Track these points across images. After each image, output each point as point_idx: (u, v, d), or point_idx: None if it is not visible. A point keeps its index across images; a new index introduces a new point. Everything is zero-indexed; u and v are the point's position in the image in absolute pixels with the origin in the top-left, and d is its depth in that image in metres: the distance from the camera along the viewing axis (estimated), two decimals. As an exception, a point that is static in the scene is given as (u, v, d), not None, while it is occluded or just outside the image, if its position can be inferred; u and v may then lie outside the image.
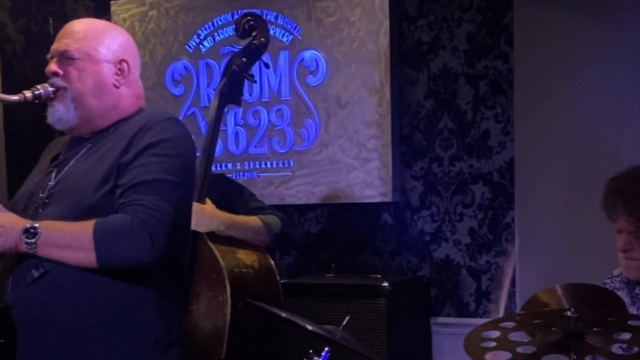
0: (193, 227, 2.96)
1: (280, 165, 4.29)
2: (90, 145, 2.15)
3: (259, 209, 3.24)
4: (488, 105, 3.88)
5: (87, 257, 1.97)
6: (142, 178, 2.01)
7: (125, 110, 2.18)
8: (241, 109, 4.29)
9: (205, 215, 3.02)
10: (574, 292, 2.06)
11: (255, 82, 3.48)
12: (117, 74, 2.17)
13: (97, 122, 2.16)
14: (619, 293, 2.58)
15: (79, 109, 2.13)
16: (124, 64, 2.18)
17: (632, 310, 2.52)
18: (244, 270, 2.99)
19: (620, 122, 3.25)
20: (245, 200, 3.27)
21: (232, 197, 3.25)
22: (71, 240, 1.98)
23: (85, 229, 1.97)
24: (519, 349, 2.08)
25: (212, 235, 3.03)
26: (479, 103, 3.90)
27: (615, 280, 2.63)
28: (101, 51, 2.15)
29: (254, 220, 3.14)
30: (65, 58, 2.13)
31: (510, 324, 2.03)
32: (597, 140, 3.33)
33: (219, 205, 3.11)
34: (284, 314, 2.76)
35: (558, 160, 3.45)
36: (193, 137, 4.19)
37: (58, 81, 2.13)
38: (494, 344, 2.05)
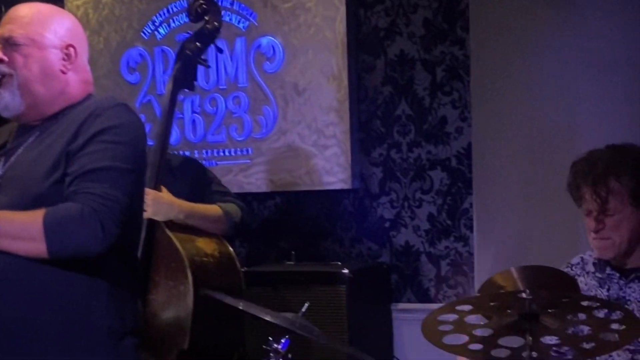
0: (151, 215, 2.94)
1: (239, 153, 4.26)
2: (38, 132, 2.11)
3: (220, 194, 3.21)
4: (445, 91, 3.89)
5: (37, 247, 1.94)
6: (92, 166, 1.97)
7: (73, 96, 2.14)
8: (198, 96, 4.25)
9: (164, 204, 2.99)
10: (528, 274, 2.07)
11: (209, 66, 3.45)
12: (64, 60, 2.12)
13: (45, 108, 2.12)
14: (579, 279, 2.61)
15: (26, 95, 2.09)
16: (71, 49, 2.14)
17: (601, 292, 2.54)
18: (204, 259, 2.97)
19: (575, 107, 3.27)
20: (208, 182, 3.24)
21: (197, 178, 3.22)
22: (20, 230, 1.95)
23: (34, 218, 1.93)
24: (476, 332, 2.09)
25: (170, 224, 2.99)
26: (436, 89, 3.90)
27: (575, 267, 2.65)
28: (47, 36, 2.11)
29: (213, 208, 3.12)
30: (10, 44, 2.09)
31: (467, 307, 2.03)
32: (553, 125, 3.35)
33: (183, 187, 3.09)
34: (241, 306, 2.75)
35: (515, 145, 3.47)
36: (149, 125, 4.19)
37: (3, 68, 2.08)
38: (450, 327, 2.05)
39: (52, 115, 2.12)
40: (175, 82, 3.11)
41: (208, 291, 2.85)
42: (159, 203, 2.97)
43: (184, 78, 3.11)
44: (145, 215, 2.95)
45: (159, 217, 2.97)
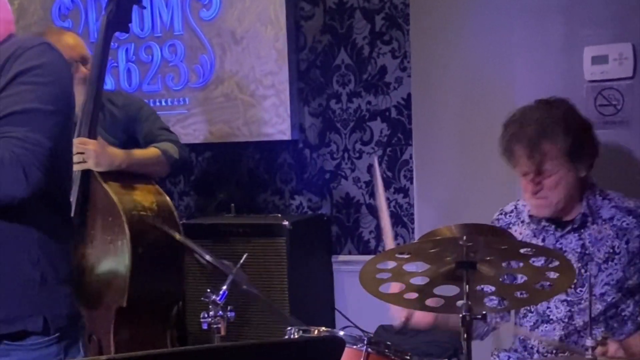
0: (93, 166, 2.88)
1: (175, 103, 4.17)
2: None
3: (155, 135, 3.15)
4: (384, 41, 3.85)
5: None
6: (13, 108, 1.89)
7: None
8: (132, 44, 4.13)
9: (105, 154, 2.93)
10: (468, 228, 2.05)
11: (145, 7, 3.34)
12: None
13: None
14: (514, 228, 2.62)
15: None
16: None
17: (536, 242, 2.56)
18: (142, 212, 2.91)
19: (512, 55, 3.26)
20: (145, 115, 3.19)
21: (134, 111, 3.18)
22: None
23: None
24: (413, 281, 2.07)
25: (106, 174, 2.92)
26: (375, 38, 3.86)
27: (509, 215, 2.66)
28: None
29: (152, 151, 3.09)
30: None
31: (406, 255, 2.02)
32: (492, 74, 3.34)
33: (122, 122, 3.05)
34: (177, 237, 2.70)
35: (455, 95, 3.46)
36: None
37: None
38: (388, 275, 2.04)
39: None
40: (108, 25, 2.99)
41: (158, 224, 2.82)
42: (101, 153, 2.91)
43: (118, 20, 3.00)
44: (87, 166, 2.89)
45: (101, 168, 2.91)
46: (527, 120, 2.46)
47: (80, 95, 2.93)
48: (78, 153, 2.86)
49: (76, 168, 2.87)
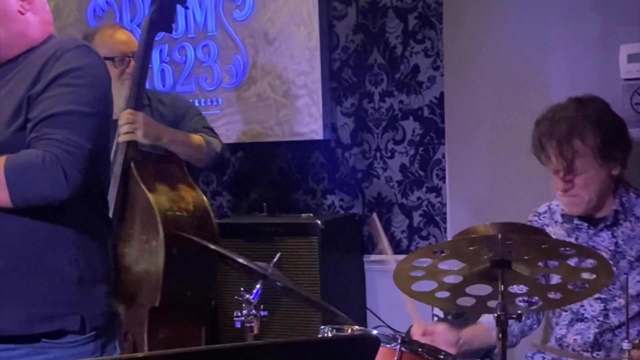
0: (141, 137, 2.94)
1: (209, 103, 4.19)
2: None
3: (200, 132, 3.19)
4: (417, 40, 3.83)
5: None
6: (53, 110, 1.91)
7: (34, 38, 2.06)
8: (166, 45, 4.17)
9: (152, 124, 2.97)
10: (504, 227, 2.03)
11: (188, 7, 3.36)
12: (21, 0, 2.05)
13: (5, 52, 2.04)
14: (548, 229, 2.60)
15: None
16: None
17: (570, 241, 2.53)
18: (177, 213, 2.93)
19: (548, 55, 3.25)
20: (192, 114, 3.25)
21: (182, 110, 3.25)
22: None
23: None
24: (446, 279, 2.07)
25: (144, 174, 2.94)
26: (408, 37, 3.85)
27: (543, 216, 2.64)
28: None
29: (196, 137, 3.12)
30: None
31: (444, 252, 2.01)
32: (526, 74, 3.32)
33: (168, 120, 3.14)
34: (213, 247, 2.70)
35: (488, 94, 3.44)
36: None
37: None
38: (422, 273, 2.03)
39: (12, 58, 2.05)
40: (151, 25, 3.01)
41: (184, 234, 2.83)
42: (149, 124, 2.95)
43: (161, 20, 3.02)
44: (135, 137, 2.93)
45: (147, 140, 2.94)
46: (558, 117, 2.45)
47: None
48: (127, 123, 2.90)
49: (124, 138, 2.92)
